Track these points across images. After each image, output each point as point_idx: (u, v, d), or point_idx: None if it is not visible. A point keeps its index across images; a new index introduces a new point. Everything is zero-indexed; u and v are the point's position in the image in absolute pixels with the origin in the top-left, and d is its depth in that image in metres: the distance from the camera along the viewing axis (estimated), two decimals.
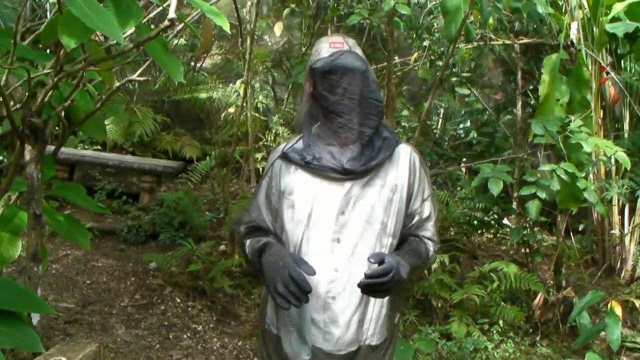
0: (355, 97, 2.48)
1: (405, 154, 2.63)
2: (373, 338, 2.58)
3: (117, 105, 8.08)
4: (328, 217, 2.51)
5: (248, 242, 2.70)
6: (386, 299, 2.58)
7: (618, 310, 4.45)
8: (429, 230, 2.69)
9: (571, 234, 7.11)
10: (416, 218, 2.65)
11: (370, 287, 2.35)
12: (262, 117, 8.97)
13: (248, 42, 6.69)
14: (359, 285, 2.34)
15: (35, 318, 2.65)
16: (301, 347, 2.55)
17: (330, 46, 2.55)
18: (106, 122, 8.29)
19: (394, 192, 2.56)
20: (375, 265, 2.36)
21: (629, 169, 5.38)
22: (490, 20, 5.72)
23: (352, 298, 2.50)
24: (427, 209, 2.67)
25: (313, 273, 2.34)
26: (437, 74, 6.23)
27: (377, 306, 2.57)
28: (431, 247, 2.68)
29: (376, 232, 2.53)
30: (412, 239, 2.67)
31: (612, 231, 6.99)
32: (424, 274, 5.79)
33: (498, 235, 7.68)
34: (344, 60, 2.49)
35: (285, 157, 2.62)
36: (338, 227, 2.50)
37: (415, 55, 7.11)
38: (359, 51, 2.58)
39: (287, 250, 2.53)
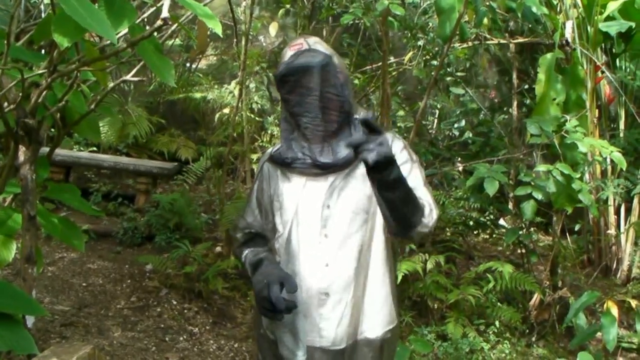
0: (315, 94, 2.48)
1: None
2: (369, 332, 2.58)
3: (110, 107, 8.03)
4: (313, 213, 2.53)
5: (245, 252, 2.75)
6: (381, 291, 2.59)
7: (614, 311, 4.44)
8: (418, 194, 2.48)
9: (567, 234, 7.10)
10: None
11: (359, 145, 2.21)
12: (257, 118, 8.97)
13: (243, 42, 6.68)
14: (346, 145, 2.31)
15: (30, 320, 2.65)
16: (296, 347, 2.56)
17: (290, 50, 2.56)
18: (100, 124, 8.27)
19: None
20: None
21: (624, 169, 5.37)
22: (485, 20, 5.72)
23: (344, 293, 2.51)
24: (410, 182, 2.45)
25: (294, 291, 2.39)
26: (432, 73, 6.23)
27: (372, 299, 2.57)
28: (426, 204, 2.47)
29: (363, 222, 2.53)
30: None
31: (608, 231, 6.99)
32: (420, 274, 5.79)
33: (494, 235, 7.68)
34: (300, 60, 2.49)
35: (272, 160, 2.67)
36: (324, 221, 2.51)
37: (410, 54, 7.10)
38: (320, 47, 2.57)
39: (276, 267, 2.54)
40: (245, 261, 2.72)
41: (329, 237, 2.51)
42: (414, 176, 2.56)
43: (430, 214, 2.48)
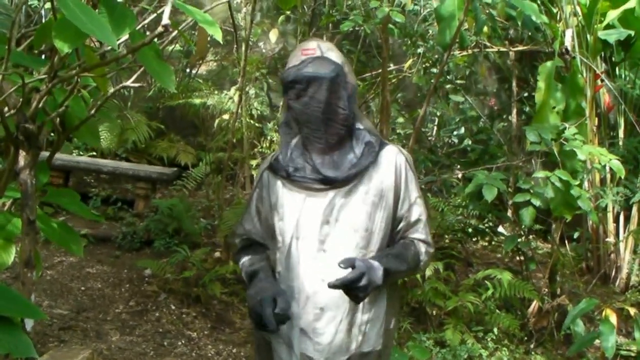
0: (320, 106, 2.46)
1: (390, 157, 2.60)
2: (364, 345, 2.56)
3: (110, 112, 8.04)
4: (313, 228, 2.51)
5: (243, 260, 2.74)
6: (379, 307, 2.58)
7: (613, 318, 4.43)
8: (419, 232, 2.63)
9: (566, 241, 7.09)
10: (404, 222, 2.62)
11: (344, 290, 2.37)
12: (256, 124, 8.97)
13: (243, 48, 6.68)
14: (329, 286, 2.34)
15: (29, 324, 2.65)
16: (290, 358, 2.55)
17: (301, 53, 2.53)
18: (100, 129, 8.28)
19: (379, 197, 2.54)
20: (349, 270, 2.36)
21: (623, 177, 5.37)
22: (485, 28, 5.72)
23: (339, 309, 2.50)
24: (415, 212, 2.62)
25: (286, 309, 2.41)
26: (432, 81, 6.24)
27: (367, 314, 2.55)
28: (423, 248, 2.62)
29: (361, 240, 2.51)
30: (402, 241, 2.63)
31: (607, 239, 6.98)
32: (418, 281, 5.79)
33: (493, 242, 7.67)
34: (310, 68, 2.46)
35: (271, 168, 2.64)
36: (323, 237, 2.50)
37: (410, 62, 7.11)
38: (333, 55, 2.54)
39: (270, 282, 2.55)
40: (242, 268, 2.72)
41: (327, 253, 2.50)
42: (417, 209, 2.65)
43: (426, 259, 2.66)
